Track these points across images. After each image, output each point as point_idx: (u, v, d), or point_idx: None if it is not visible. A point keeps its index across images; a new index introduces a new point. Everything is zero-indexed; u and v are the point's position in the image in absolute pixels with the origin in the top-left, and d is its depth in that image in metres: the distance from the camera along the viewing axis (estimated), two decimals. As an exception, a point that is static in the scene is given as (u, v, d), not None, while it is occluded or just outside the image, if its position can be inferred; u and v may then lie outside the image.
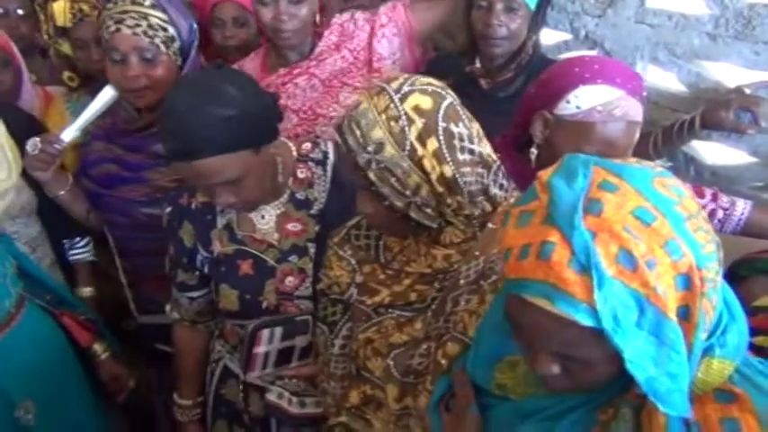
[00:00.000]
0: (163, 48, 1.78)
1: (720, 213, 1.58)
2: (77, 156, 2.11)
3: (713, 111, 1.79)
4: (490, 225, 1.22)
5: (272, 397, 1.51)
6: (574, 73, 1.48)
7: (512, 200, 1.25)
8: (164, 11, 1.79)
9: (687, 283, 0.76)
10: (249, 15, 2.59)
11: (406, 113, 1.13)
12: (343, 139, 1.16)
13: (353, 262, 1.36)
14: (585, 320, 0.74)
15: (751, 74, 1.89)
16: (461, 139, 1.17)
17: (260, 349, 1.54)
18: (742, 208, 1.59)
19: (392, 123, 1.13)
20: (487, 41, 1.99)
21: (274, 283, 1.54)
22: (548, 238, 0.77)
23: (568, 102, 1.46)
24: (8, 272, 1.61)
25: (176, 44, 1.81)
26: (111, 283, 2.17)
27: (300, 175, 1.57)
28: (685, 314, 0.77)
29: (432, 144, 1.14)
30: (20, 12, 2.56)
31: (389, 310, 1.30)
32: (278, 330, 1.52)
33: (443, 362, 1.20)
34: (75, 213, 1.99)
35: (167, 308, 1.75)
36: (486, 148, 1.23)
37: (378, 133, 1.13)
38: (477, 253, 1.21)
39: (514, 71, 2.02)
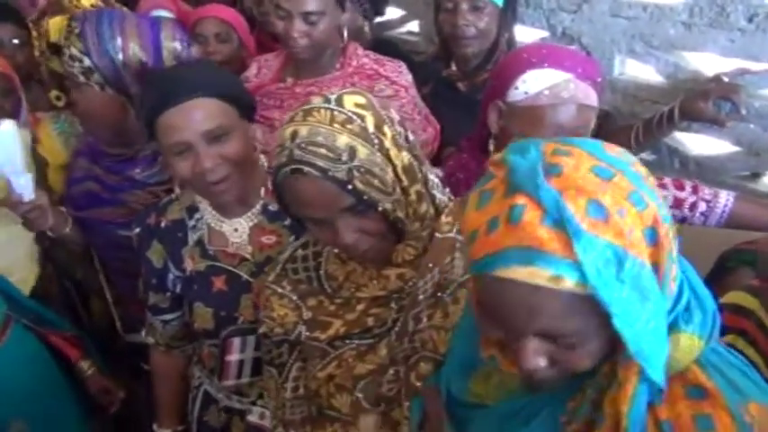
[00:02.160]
0: (82, 78, 1.75)
1: (703, 206, 1.53)
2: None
3: (692, 101, 1.76)
4: (438, 235, 1.19)
5: (253, 418, 1.50)
6: (522, 59, 1.48)
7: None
8: (83, 40, 1.74)
9: (654, 236, 0.75)
10: (231, 31, 2.61)
11: (353, 112, 1.09)
12: (310, 165, 1.05)
13: (295, 298, 1.27)
14: (569, 276, 0.71)
15: (728, 62, 1.87)
16: (399, 126, 1.15)
17: (232, 357, 1.52)
18: (725, 199, 1.53)
19: (349, 126, 1.08)
20: (457, 42, 1.99)
21: (251, 297, 1.52)
22: (515, 203, 0.74)
23: (517, 87, 1.45)
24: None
25: (96, 75, 1.75)
26: (102, 304, 2.19)
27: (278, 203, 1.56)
28: (656, 272, 0.76)
29: (388, 131, 1.11)
30: (15, 41, 2.59)
31: (346, 341, 1.23)
32: (250, 339, 1.49)
33: (418, 384, 1.18)
34: (78, 244, 2.00)
35: (143, 332, 1.72)
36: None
37: (343, 140, 1.07)
38: (430, 265, 1.18)
39: (490, 71, 2.01)
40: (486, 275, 0.76)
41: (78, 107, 1.80)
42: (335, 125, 1.07)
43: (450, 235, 1.19)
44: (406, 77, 2.05)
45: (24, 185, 1.73)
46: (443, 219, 1.20)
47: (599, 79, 1.47)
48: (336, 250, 1.24)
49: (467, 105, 2.09)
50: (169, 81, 1.40)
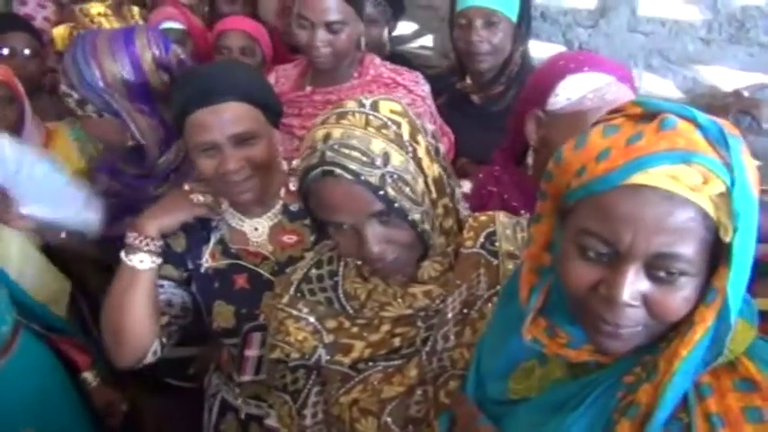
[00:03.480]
0: (78, 110, 1.79)
1: None
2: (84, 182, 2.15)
3: (711, 115, 1.76)
4: (463, 250, 1.18)
5: (272, 422, 1.48)
6: (559, 66, 1.46)
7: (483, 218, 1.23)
8: (66, 76, 1.77)
9: None
10: (255, 44, 2.63)
11: (388, 118, 1.07)
12: (343, 168, 1.01)
13: (313, 320, 1.21)
14: (722, 175, 0.74)
15: (747, 76, 1.87)
16: (433, 137, 1.14)
17: (252, 352, 1.51)
18: None
19: (384, 131, 1.05)
20: (472, 58, 2.00)
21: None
22: (665, 116, 0.77)
23: (557, 95, 1.42)
24: (4, 299, 1.62)
25: (89, 105, 1.77)
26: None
27: (293, 187, 1.53)
28: None
29: (422, 141, 1.09)
30: (26, 51, 2.60)
31: (370, 364, 1.19)
32: (256, 335, 1.48)
33: (449, 402, 1.14)
34: (83, 252, 1.99)
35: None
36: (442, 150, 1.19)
37: (378, 144, 1.03)
38: (458, 282, 1.16)
39: (505, 84, 2.02)
40: (614, 188, 0.76)
41: (89, 133, 1.84)
42: (370, 129, 1.04)
43: (475, 250, 1.18)
44: (423, 87, 2.06)
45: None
46: (465, 234, 1.19)
47: (635, 84, 1.46)
48: (357, 263, 1.21)
49: (480, 117, 2.10)
50: (204, 80, 1.41)
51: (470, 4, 1.99)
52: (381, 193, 1.02)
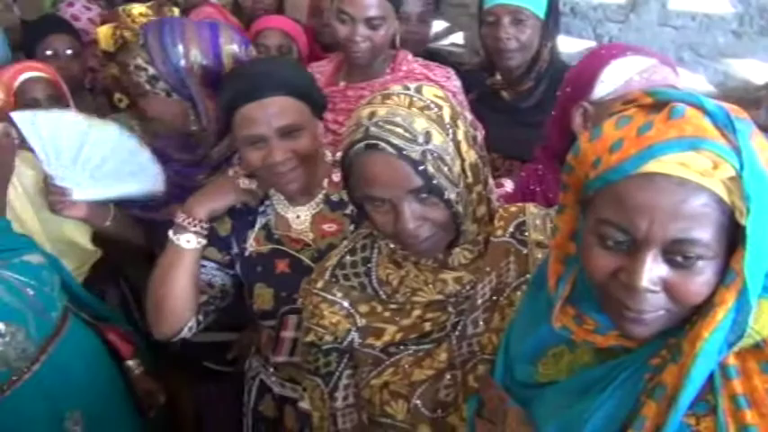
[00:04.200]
0: (147, 86, 1.85)
1: None
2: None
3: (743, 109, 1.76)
4: (493, 239, 1.21)
5: (304, 404, 1.53)
6: (601, 55, 1.46)
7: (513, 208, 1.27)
8: (147, 51, 1.84)
9: None
10: (292, 43, 2.69)
11: (432, 101, 1.11)
12: (386, 142, 1.06)
13: (347, 305, 1.26)
14: (731, 161, 0.76)
15: (779, 69, 1.87)
16: (470, 125, 1.18)
17: (288, 334, 1.57)
18: None
19: (427, 112, 1.10)
20: (500, 55, 2.02)
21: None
22: (674, 105, 0.79)
23: (602, 82, 1.43)
24: (56, 285, 1.69)
25: (161, 83, 1.84)
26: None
27: (335, 178, 1.59)
28: None
29: (461, 126, 1.13)
30: (69, 52, 2.71)
31: (401, 348, 1.23)
32: (293, 318, 1.53)
33: (476, 386, 1.18)
34: (127, 240, 2.07)
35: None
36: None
37: (421, 123, 1.08)
38: (488, 269, 1.20)
39: (534, 80, 2.04)
40: (627, 177, 0.79)
41: (147, 114, 1.89)
42: (414, 109, 1.09)
43: (505, 239, 1.22)
44: (455, 83, 2.09)
45: (52, 170, 1.84)
46: (496, 223, 1.23)
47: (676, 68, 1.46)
48: (390, 248, 1.25)
49: (510, 113, 2.12)
50: (252, 76, 1.49)
51: (498, 2, 2.02)
52: (421, 168, 1.07)
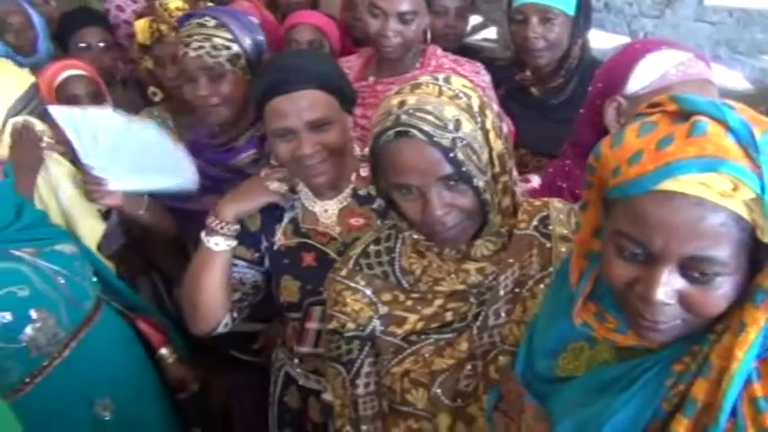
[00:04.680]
0: (228, 65, 1.89)
1: None
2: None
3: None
4: (517, 231, 1.22)
5: (328, 396, 1.55)
6: (635, 49, 1.44)
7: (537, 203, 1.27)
8: (227, 30, 1.90)
9: None
10: (324, 38, 2.71)
11: (461, 91, 1.13)
12: (417, 129, 1.08)
13: (369, 293, 1.28)
14: (750, 183, 0.75)
15: (818, 66, 1.82)
16: (498, 116, 1.19)
17: (312, 325, 1.59)
18: None
19: (456, 101, 1.11)
20: (528, 54, 2.00)
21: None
22: (697, 120, 0.77)
23: (637, 76, 1.41)
24: (88, 275, 1.73)
25: (242, 60, 1.91)
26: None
27: (363, 173, 1.61)
28: None
29: (489, 116, 1.15)
30: (101, 44, 2.78)
31: (422, 337, 1.25)
32: (318, 309, 1.55)
33: (497, 377, 1.19)
34: (160, 229, 2.11)
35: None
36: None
37: (451, 111, 1.10)
38: (510, 261, 1.21)
39: (564, 77, 2.02)
40: (646, 193, 0.78)
41: (221, 94, 1.91)
42: (443, 97, 1.12)
43: (528, 232, 1.22)
44: (484, 78, 2.09)
45: (90, 161, 1.88)
46: (521, 216, 1.24)
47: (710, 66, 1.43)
48: (414, 239, 1.26)
49: (539, 109, 2.11)
50: (284, 69, 1.50)
51: (525, 1, 2.00)
52: (451, 155, 1.08)
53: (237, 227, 1.58)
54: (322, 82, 1.49)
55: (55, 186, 1.91)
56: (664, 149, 0.78)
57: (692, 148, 0.76)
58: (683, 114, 0.80)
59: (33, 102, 1.90)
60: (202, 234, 1.58)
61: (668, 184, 0.77)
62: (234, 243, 1.59)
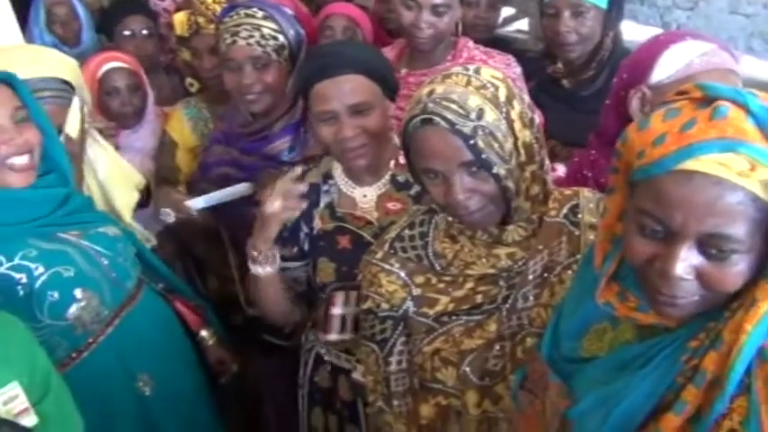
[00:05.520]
0: (274, 55, 1.96)
1: None
2: (196, 159, 2.34)
3: None
4: (547, 219, 1.26)
5: (357, 375, 1.58)
6: (660, 40, 1.47)
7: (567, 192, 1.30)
8: (274, 20, 1.96)
9: None
10: (357, 28, 2.76)
11: (489, 81, 1.18)
12: (441, 117, 1.14)
13: (403, 275, 1.34)
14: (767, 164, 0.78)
15: None
16: (528, 107, 1.22)
17: (336, 311, 1.63)
18: None
19: (482, 91, 1.16)
20: (560, 48, 2.02)
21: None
22: (719, 104, 0.81)
23: (661, 65, 1.44)
24: (130, 256, 1.79)
25: (286, 51, 1.98)
26: (220, 282, 2.38)
27: (402, 160, 1.64)
28: None
29: (517, 106, 1.19)
30: (144, 32, 2.85)
31: (453, 318, 1.29)
32: (353, 294, 1.59)
33: (524, 358, 1.23)
34: (205, 225, 2.18)
35: None
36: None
37: (475, 101, 1.15)
38: (540, 247, 1.25)
39: (595, 69, 2.03)
40: (667, 173, 0.83)
41: (266, 83, 1.98)
42: (470, 87, 1.17)
43: (558, 219, 1.26)
44: (514, 70, 2.11)
45: (197, 202, 2.04)
46: (551, 204, 1.27)
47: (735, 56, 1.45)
48: (447, 221, 1.31)
49: (570, 101, 2.12)
50: (328, 55, 1.57)
51: None
52: (472, 143, 1.14)
53: (275, 252, 1.65)
54: (364, 68, 1.54)
55: (93, 164, 1.98)
56: (686, 132, 0.82)
57: (714, 131, 0.80)
58: (707, 100, 0.84)
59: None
60: (249, 263, 1.66)
61: (689, 164, 0.81)
62: (276, 265, 1.66)
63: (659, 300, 0.90)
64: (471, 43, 2.20)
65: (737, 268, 0.84)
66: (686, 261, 0.84)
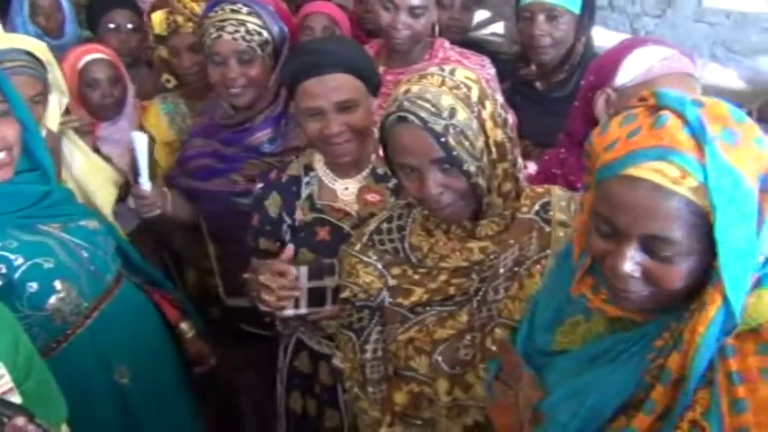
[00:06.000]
0: (259, 51, 2.00)
1: None
2: (173, 153, 2.35)
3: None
4: (519, 215, 1.31)
5: (337, 362, 1.60)
6: (624, 45, 1.55)
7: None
8: (259, 17, 2.00)
9: (765, 184, 0.87)
10: (335, 28, 2.79)
11: (462, 82, 1.24)
12: (414, 115, 1.19)
13: (380, 266, 1.39)
14: (695, 174, 0.83)
15: (811, 68, 1.89)
16: (501, 107, 1.28)
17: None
18: None
19: (455, 91, 1.22)
20: (533, 51, 2.08)
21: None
22: (661, 114, 0.87)
23: (625, 69, 1.51)
24: (109, 250, 1.81)
25: (270, 47, 2.02)
26: (198, 274, 2.40)
27: (382, 153, 1.69)
28: (758, 220, 0.87)
29: (489, 106, 1.24)
30: (129, 26, 2.85)
31: (427, 308, 1.34)
32: (303, 269, 1.59)
33: (494, 348, 1.28)
34: (183, 219, 2.17)
35: (246, 275, 1.82)
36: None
37: (447, 100, 1.20)
38: (511, 242, 1.30)
39: (567, 72, 2.09)
40: (614, 177, 0.89)
41: (249, 77, 2.01)
42: (443, 88, 1.22)
43: (529, 216, 1.32)
44: (489, 71, 2.17)
45: (145, 181, 1.98)
46: (523, 201, 1.33)
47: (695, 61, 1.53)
48: (423, 215, 1.36)
49: (543, 103, 2.18)
50: (316, 53, 1.61)
51: (532, 0, 2.07)
52: (443, 140, 1.19)
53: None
54: (350, 66, 1.59)
55: (68, 161, 1.99)
56: (632, 139, 0.89)
57: (652, 139, 0.87)
58: (656, 108, 0.90)
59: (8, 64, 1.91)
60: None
61: (631, 170, 0.87)
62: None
63: (614, 293, 0.97)
64: (447, 44, 2.26)
65: (678, 269, 0.89)
66: (633, 259, 0.91)
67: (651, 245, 0.89)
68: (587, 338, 1.09)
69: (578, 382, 1.03)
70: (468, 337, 1.31)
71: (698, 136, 0.85)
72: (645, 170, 0.86)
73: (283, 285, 1.58)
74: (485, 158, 1.24)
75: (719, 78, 2.13)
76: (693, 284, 0.91)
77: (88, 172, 2.02)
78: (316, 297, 1.60)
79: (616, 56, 1.53)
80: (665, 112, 0.87)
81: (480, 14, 3.27)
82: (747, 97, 2.01)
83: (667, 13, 2.23)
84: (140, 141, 1.96)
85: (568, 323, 1.11)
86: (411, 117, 1.20)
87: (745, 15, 2.01)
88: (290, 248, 1.66)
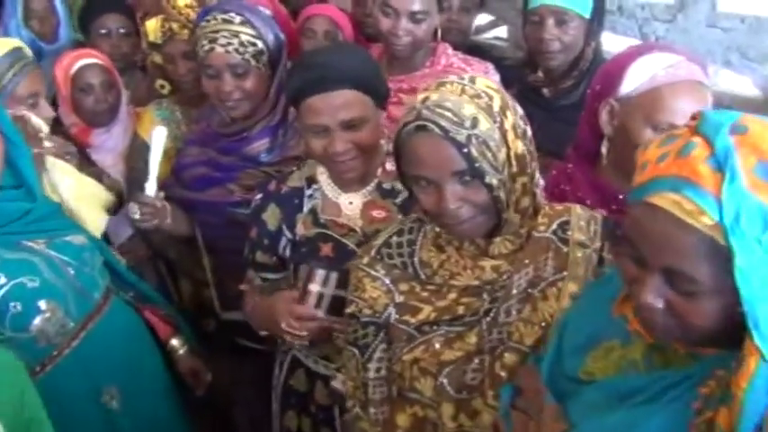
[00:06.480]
0: (253, 62, 1.93)
1: None
2: (168, 161, 2.26)
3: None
4: (535, 234, 1.25)
5: (337, 384, 1.55)
6: (628, 53, 1.48)
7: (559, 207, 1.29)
8: (252, 27, 1.93)
9: None
10: (338, 30, 2.73)
11: (483, 91, 1.18)
12: (435, 124, 1.13)
13: (388, 281, 1.34)
14: (711, 212, 0.76)
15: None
16: (522, 120, 1.22)
17: (314, 287, 1.57)
18: None
19: (477, 100, 1.16)
20: (542, 55, 2.01)
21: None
22: (690, 140, 0.81)
23: (629, 78, 1.44)
24: (97, 266, 1.75)
25: (265, 57, 1.95)
26: (192, 286, 2.32)
27: (389, 167, 1.62)
28: None
29: (510, 117, 1.18)
30: (122, 31, 2.80)
31: (434, 327, 1.29)
32: (333, 275, 1.55)
33: (503, 374, 1.22)
34: (181, 233, 2.10)
35: (242, 287, 1.80)
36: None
37: (469, 109, 1.14)
38: (526, 261, 1.24)
39: (575, 78, 2.03)
40: (639, 202, 0.84)
41: (244, 90, 1.95)
42: (464, 96, 1.16)
43: (546, 235, 1.26)
44: (493, 78, 2.10)
45: (151, 186, 1.92)
46: (540, 218, 1.27)
47: (706, 68, 1.45)
48: (435, 231, 1.30)
49: (550, 110, 2.12)
50: (321, 67, 1.51)
51: (542, 3, 2.00)
52: (465, 151, 1.13)
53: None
54: (357, 81, 1.51)
55: (56, 182, 1.92)
56: (659, 164, 0.82)
57: (675, 168, 0.80)
58: (695, 131, 0.83)
59: (18, 64, 1.93)
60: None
61: (653, 198, 0.81)
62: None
63: (641, 322, 0.91)
64: (450, 50, 2.19)
65: (703, 307, 0.83)
66: (655, 291, 0.85)
67: (673, 278, 0.83)
68: (621, 365, 1.02)
69: (609, 422, 0.96)
70: (477, 361, 1.25)
71: (720, 171, 0.78)
72: (665, 200, 0.80)
73: (310, 329, 1.55)
74: (505, 171, 1.18)
75: (733, 86, 2.05)
76: (734, 327, 0.83)
77: (78, 196, 1.94)
78: (335, 306, 1.54)
79: (620, 64, 1.46)
80: (697, 138, 0.81)
81: (483, 18, 3.21)
82: (763, 105, 1.94)
83: (678, 18, 2.16)
84: (158, 138, 1.92)
85: (603, 347, 1.05)
86: (431, 126, 1.14)
87: (760, 20, 1.94)
88: (312, 294, 1.58)
